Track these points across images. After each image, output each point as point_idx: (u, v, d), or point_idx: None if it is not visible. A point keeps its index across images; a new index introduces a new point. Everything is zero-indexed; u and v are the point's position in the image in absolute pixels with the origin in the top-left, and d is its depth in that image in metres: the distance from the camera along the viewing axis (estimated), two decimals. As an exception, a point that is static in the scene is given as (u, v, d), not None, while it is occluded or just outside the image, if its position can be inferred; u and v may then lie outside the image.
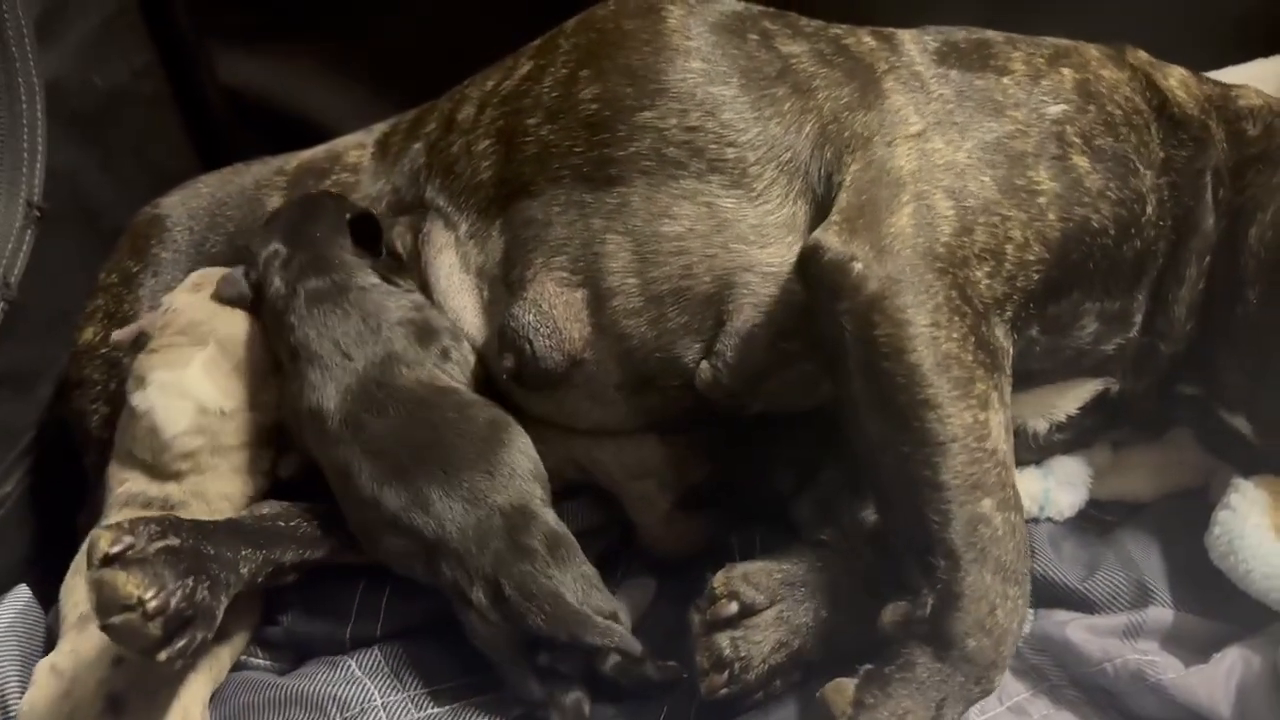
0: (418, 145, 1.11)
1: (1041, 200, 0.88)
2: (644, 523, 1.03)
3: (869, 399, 0.84)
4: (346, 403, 0.95)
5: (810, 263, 0.87)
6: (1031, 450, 1.02)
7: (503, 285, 1.00)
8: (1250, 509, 0.90)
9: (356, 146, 1.18)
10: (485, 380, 1.02)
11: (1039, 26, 1.09)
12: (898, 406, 0.82)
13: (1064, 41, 1.02)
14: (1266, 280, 0.91)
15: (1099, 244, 0.89)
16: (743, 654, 0.85)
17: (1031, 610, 0.96)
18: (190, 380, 0.98)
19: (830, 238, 0.86)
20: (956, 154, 0.89)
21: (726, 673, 0.85)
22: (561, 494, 0.99)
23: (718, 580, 0.88)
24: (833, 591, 0.89)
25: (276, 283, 1.00)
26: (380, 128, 1.20)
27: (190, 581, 0.82)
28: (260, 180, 1.16)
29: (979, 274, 0.85)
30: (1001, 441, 0.82)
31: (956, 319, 0.83)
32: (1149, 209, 0.91)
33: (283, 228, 1.04)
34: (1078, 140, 0.90)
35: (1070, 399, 1.00)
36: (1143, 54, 1.04)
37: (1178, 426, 1.06)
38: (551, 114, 1.01)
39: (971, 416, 0.81)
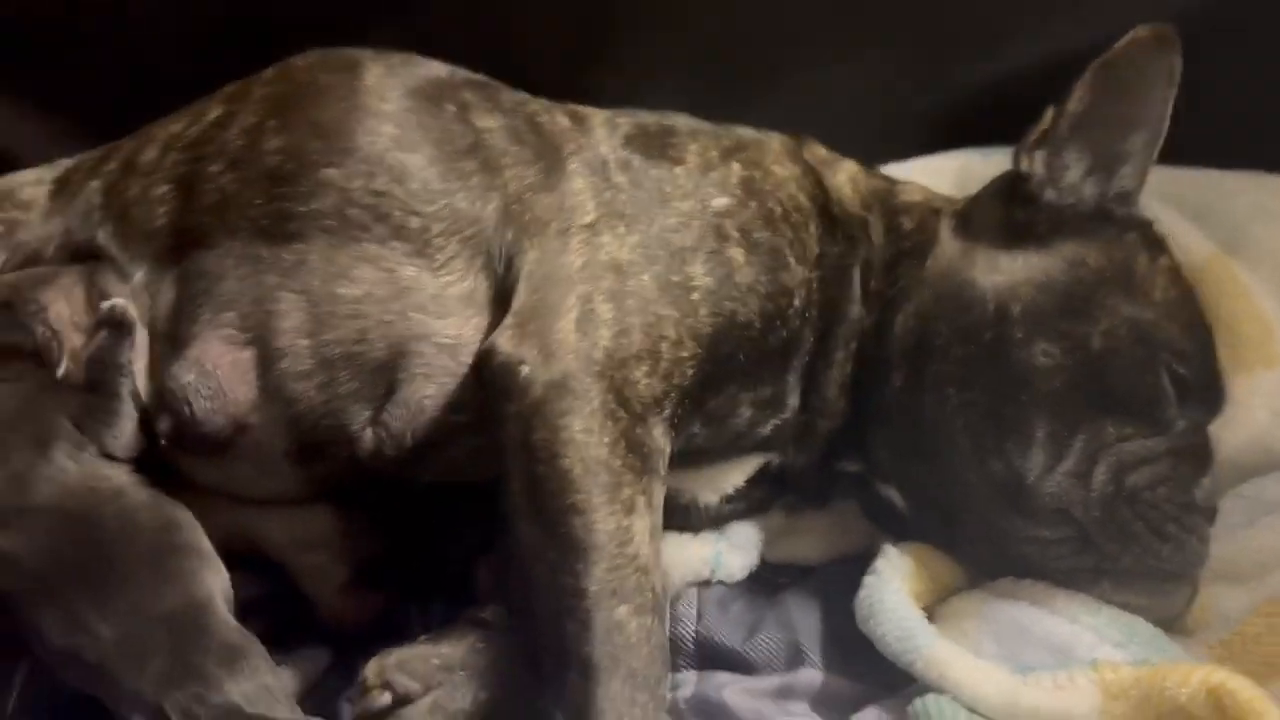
0: (95, 183, 1.05)
1: (695, 296, 0.92)
2: (318, 596, 1.00)
3: (524, 504, 0.85)
4: None
5: (484, 365, 0.88)
6: (705, 521, 1.06)
7: (168, 341, 0.95)
8: (893, 574, 0.96)
9: (35, 182, 1.10)
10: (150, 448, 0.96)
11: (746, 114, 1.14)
12: (549, 512, 0.83)
13: (748, 134, 1.08)
14: (908, 365, 0.98)
15: (746, 336, 0.94)
16: None
17: (695, 672, 1.00)
18: None
19: (503, 341, 0.88)
20: (620, 250, 0.92)
21: None
22: (230, 564, 0.93)
23: (370, 670, 0.87)
24: (493, 673, 0.89)
25: None
26: (66, 163, 1.12)
27: None
28: (-90, 217, 1.06)
29: (638, 374, 0.88)
30: (644, 546, 0.84)
31: (610, 424, 0.85)
32: (795, 301, 0.96)
33: None
34: (735, 234, 0.95)
35: (737, 474, 1.04)
36: (820, 150, 1.10)
37: (843, 498, 1.12)
38: (234, 163, 0.97)
39: (615, 523, 0.83)
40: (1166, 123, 1.01)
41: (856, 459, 1.06)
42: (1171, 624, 0.95)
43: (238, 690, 0.82)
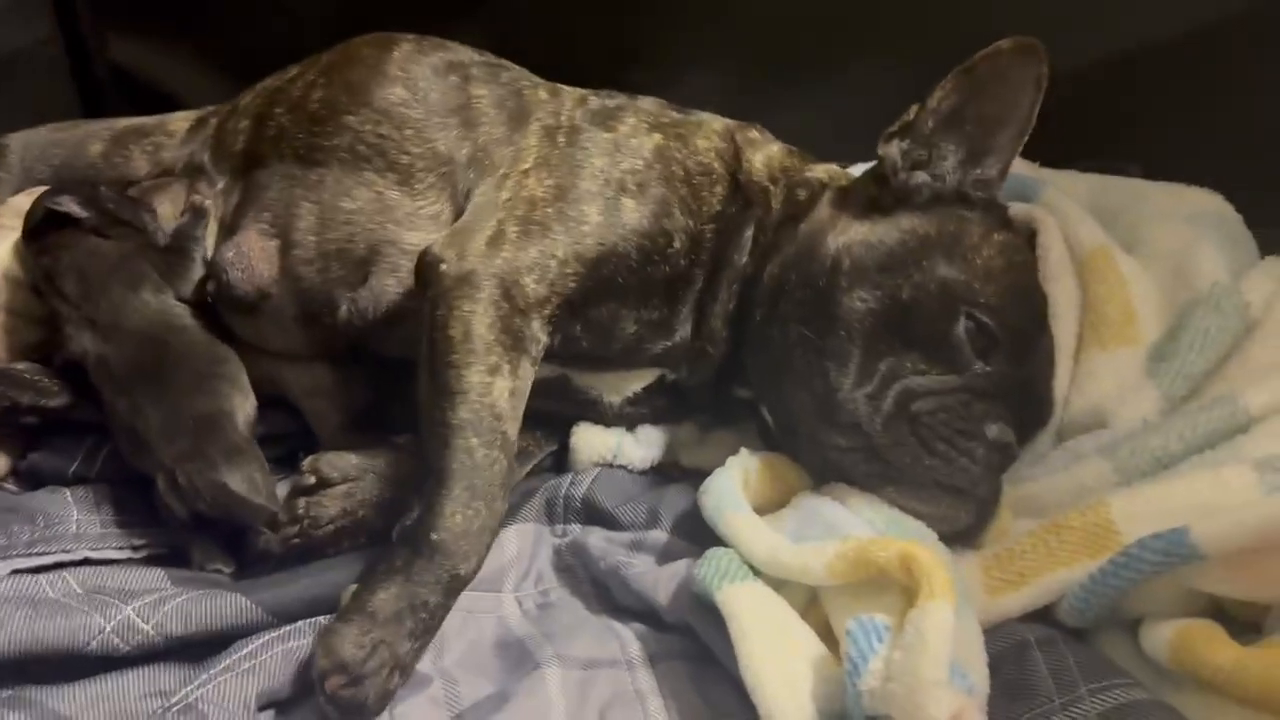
0: (214, 121, 1.45)
1: (585, 228, 1.18)
2: (320, 434, 1.34)
3: (424, 360, 1.13)
4: (93, 342, 1.26)
5: (420, 260, 1.19)
6: (612, 417, 1.34)
7: (225, 230, 1.33)
8: (736, 467, 1.18)
9: (184, 119, 1.51)
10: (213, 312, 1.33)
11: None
12: (435, 366, 1.11)
13: (697, 117, 1.33)
14: (768, 304, 1.22)
15: (624, 264, 1.19)
16: (313, 514, 1.14)
17: (580, 526, 1.27)
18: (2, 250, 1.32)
19: (435, 246, 1.18)
20: (537, 190, 1.20)
21: (298, 526, 1.14)
22: (264, 404, 1.29)
23: (307, 461, 1.18)
24: (395, 479, 1.19)
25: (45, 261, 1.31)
26: (209, 108, 1.53)
27: None
28: (90, 133, 1.49)
29: (527, 280, 1.15)
30: (502, 400, 1.09)
31: (492, 309, 1.12)
32: (675, 244, 1.21)
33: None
34: (634, 186, 1.21)
35: (635, 381, 1.31)
36: (754, 134, 1.34)
37: (747, 420, 1.35)
38: (291, 107, 1.34)
39: (479, 378, 1.09)
40: (1033, 122, 1.19)
41: (746, 386, 1.30)
42: (965, 540, 1.14)
43: (230, 476, 1.13)
